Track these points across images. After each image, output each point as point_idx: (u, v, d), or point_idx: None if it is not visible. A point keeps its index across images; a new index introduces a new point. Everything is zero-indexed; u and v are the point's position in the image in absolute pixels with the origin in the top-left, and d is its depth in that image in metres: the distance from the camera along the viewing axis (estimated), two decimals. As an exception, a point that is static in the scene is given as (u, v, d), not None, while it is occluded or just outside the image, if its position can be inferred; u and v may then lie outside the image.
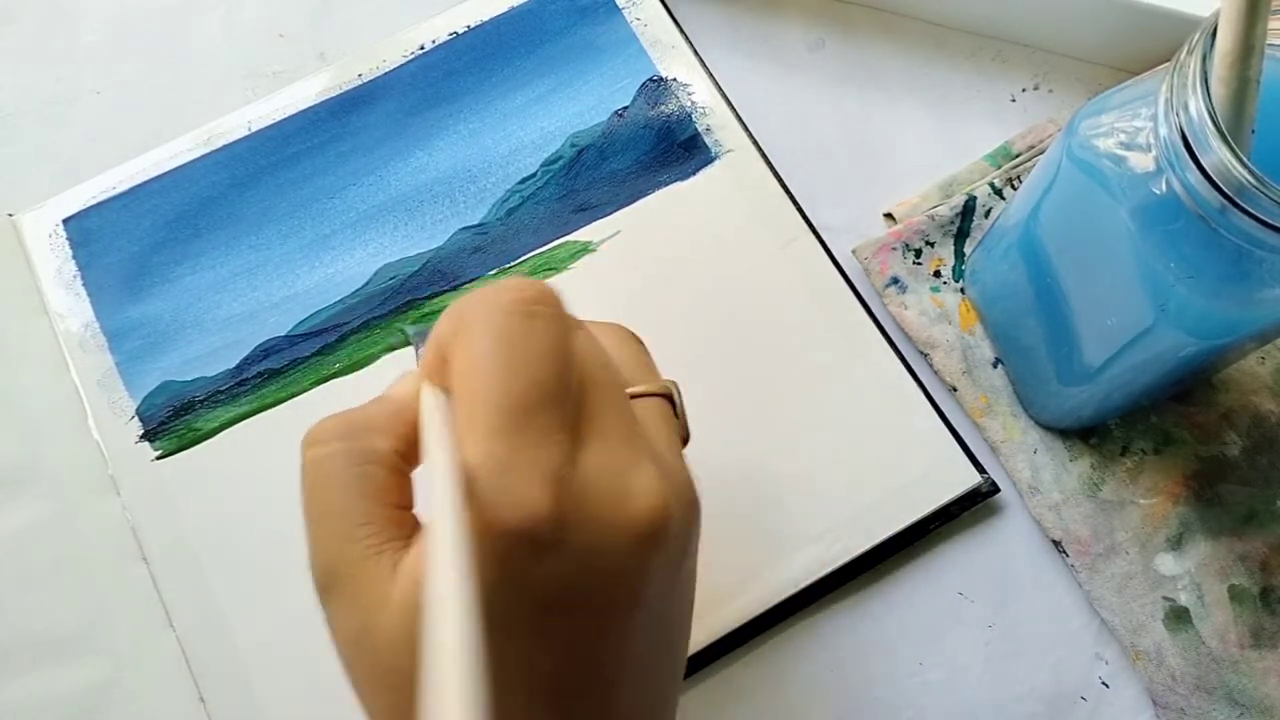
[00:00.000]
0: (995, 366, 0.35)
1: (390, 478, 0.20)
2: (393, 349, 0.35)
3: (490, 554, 0.18)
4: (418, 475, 0.21)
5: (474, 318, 0.20)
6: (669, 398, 0.24)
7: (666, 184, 0.37)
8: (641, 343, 0.25)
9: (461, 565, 0.16)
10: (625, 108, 0.38)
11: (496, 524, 0.18)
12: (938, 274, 0.37)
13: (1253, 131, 0.23)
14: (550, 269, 0.36)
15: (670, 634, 0.23)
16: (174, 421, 0.34)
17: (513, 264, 0.36)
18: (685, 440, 0.24)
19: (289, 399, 0.34)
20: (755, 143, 0.37)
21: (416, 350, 0.24)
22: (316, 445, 0.20)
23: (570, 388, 0.20)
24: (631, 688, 0.21)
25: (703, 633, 0.32)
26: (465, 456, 0.18)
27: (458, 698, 0.14)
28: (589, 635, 0.20)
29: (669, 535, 0.20)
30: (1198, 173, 0.22)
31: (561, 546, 0.19)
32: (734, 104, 0.38)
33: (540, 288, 0.20)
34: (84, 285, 0.36)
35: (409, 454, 0.21)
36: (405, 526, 0.20)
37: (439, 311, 0.35)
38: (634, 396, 0.23)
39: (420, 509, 0.21)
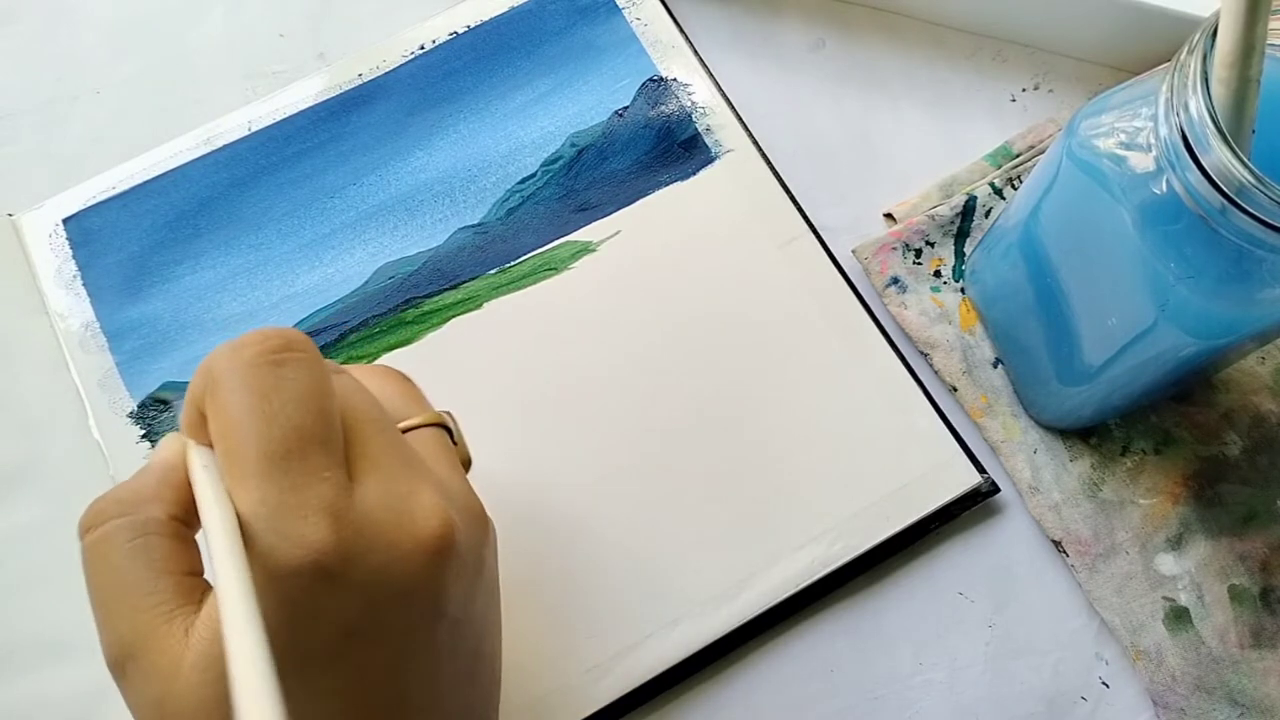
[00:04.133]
0: (995, 366, 0.35)
1: (172, 545, 0.20)
2: (392, 348, 0.35)
3: (281, 595, 0.18)
4: (201, 538, 0.21)
5: (221, 374, 0.20)
6: (444, 426, 0.24)
7: (666, 184, 0.37)
8: (408, 379, 0.26)
9: (251, 613, 0.16)
10: (625, 108, 0.38)
11: (280, 565, 0.18)
12: (938, 274, 0.37)
13: (1253, 131, 0.23)
14: (550, 269, 0.36)
15: (479, 641, 0.23)
16: (175, 422, 0.34)
17: (513, 264, 0.36)
18: (467, 464, 0.25)
19: (289, 399, 0.34)
20: (755, 143, 0.37)
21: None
22: (91, 529, 0.20)
23: (335, 427, 0.20)
24: (447, 697, 0.22)
25: (703, 632, 0.32)
26: (238, 507, 0.19)
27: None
28: (396, 655, 0.20)
29: (457, 549, 0.21)
30: (1198, 173, 0.22)
31: (350, 575, 0.19)
32: (734, 104, 0.38)
33: (286, 336, 0.20)
34: (84, 285, 0.36)
35: (187, 518, 0.21)
36: (195, 591, 0.20)
37: (439, 311, 0.35)
38: (408, 430, 0.23)
39: (208, 571, 0.20)
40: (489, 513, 0.24)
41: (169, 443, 0.22)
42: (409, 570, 0.20)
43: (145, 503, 0.20)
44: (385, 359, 0.35)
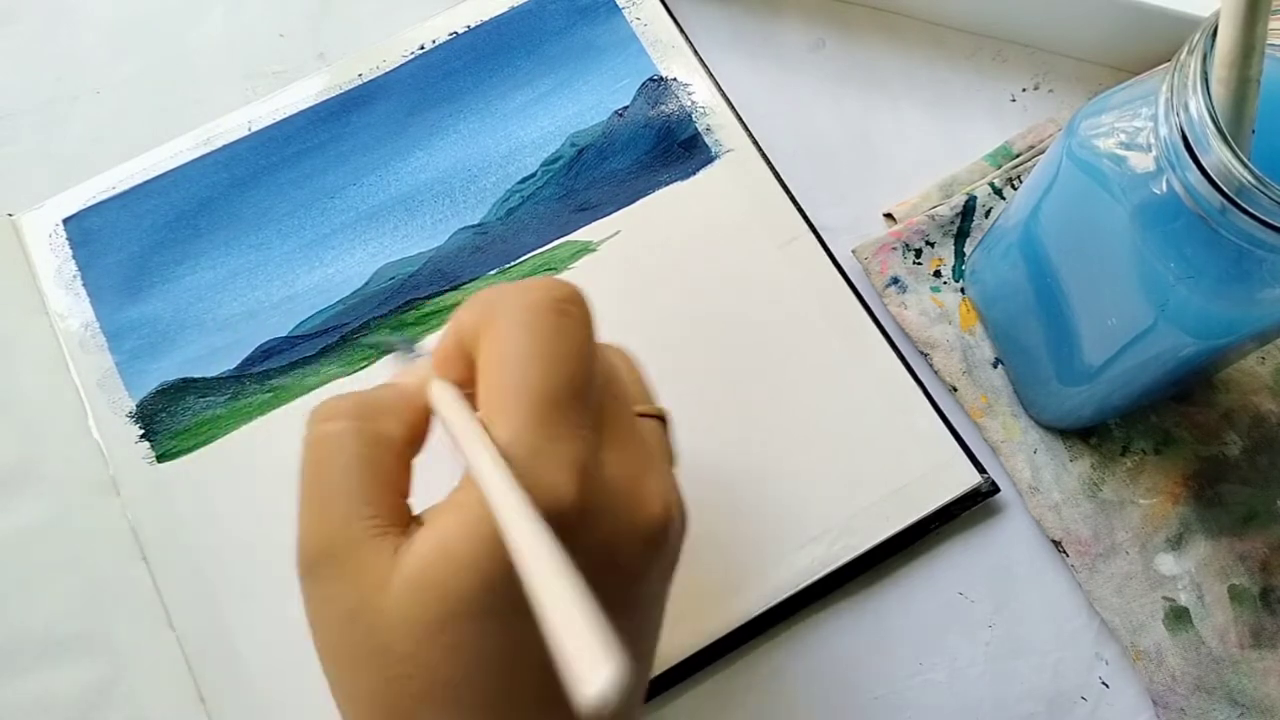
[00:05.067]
0: (995, 366, 0.35)
1: (396, 464, 0.20)
2: (393, 349, 0.35)
3: None
4: (417, 464, 0.21)
5: (505, 311, 0.20)
6: (664, 421, 0.24)
7: (667, 184, 0.37)
8: (641, 368, 0.26)
9: (528, 513, 0.17)
10: (625, 107, 0.38)
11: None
12: (938, 274, 0.37)
13: (1253, 131, 0.23)
14: (550, 269, 0.36)
15: (640, 637, 0.23)
16: (174, 422, 0.34)
17: (513, 264, 0.36)
18: (673, 464, 0.25)
19: (289, 399, 0.34)
20: (755, 143, 0.37)
21: (403, 356, 0.24)
22: (326, 421, 0.21)
23: (595, 388, 0.20)
24: None
25: (703, 632, 0.32)
26: (499, 438, 0.19)
27: (577, 619, 0.15)
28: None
29: (670, 541, 0.21)
30: (1198, 173, 0.22)
31: (581, 534, 0.19)
32: (734, 104, 0.38)
33: (571, 288, 0.21)
34: (84, 285, 0.36)
35: (415, 442, 0.21)
36: (404, 515, 0.20)
37: (439, 311, 0.35)
38: (638, 415, 0.23)
39: (415, 500, 0.21)
40: None
41: (415, 370, 0.22)
42: (626, 548, 0.20)
43: (384, 415, 0.21)
44: (385, 358, 0.35)
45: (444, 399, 0.20)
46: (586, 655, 0.14)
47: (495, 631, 0.19)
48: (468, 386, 0.21)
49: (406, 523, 0.20)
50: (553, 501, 0.18)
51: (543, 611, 0.15)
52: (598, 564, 0.19)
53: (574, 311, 0.20)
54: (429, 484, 0.23)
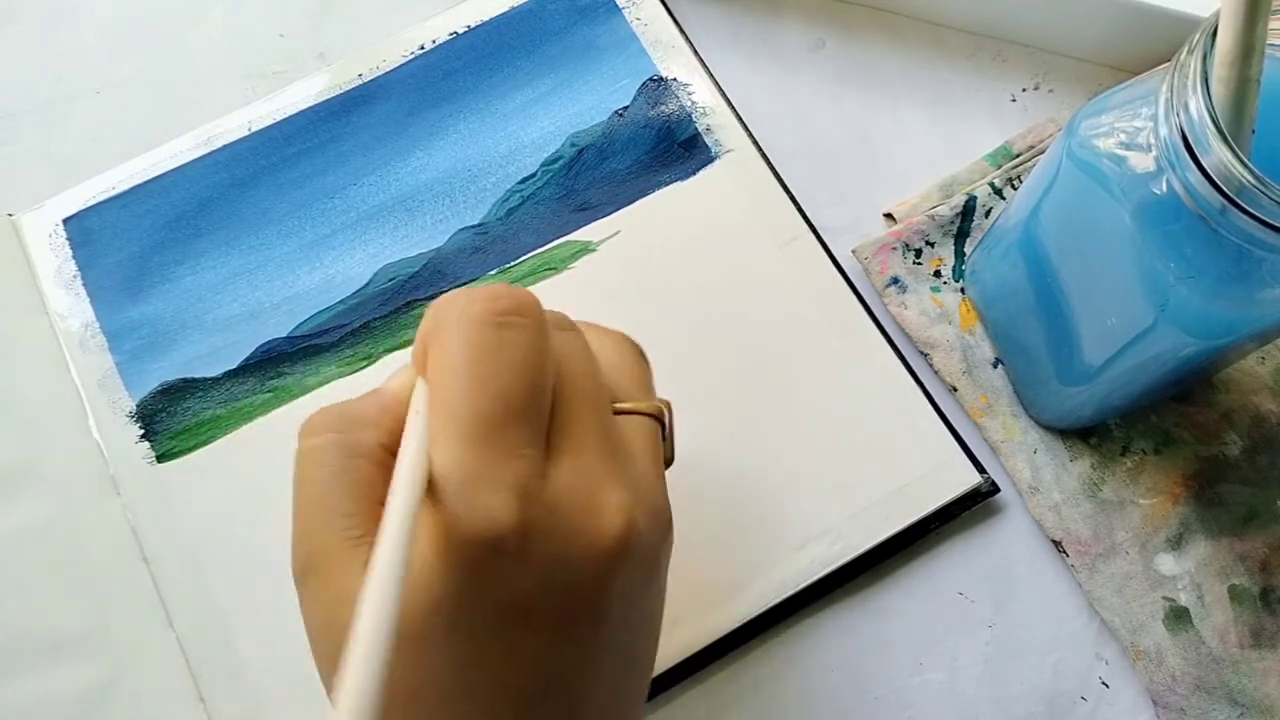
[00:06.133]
0: (995, 366, 0.35)
1: (376, 472, 0.20)
2: (393, 350, 0.35)
3: (454, 560, 0.18)
4: None
5: (447, 323, 0.20)
6: (658, 418, 0.24)
7: (666, 184, 0.37)
8: (643, 356, 0.25)
9: (396, 568, 0.16)
10: (625, 107, 0.38)
11: (461, 531, 0.18)
12: (938, 274, 0.37)
13: (1253, 131, 0.23)
14: (550, 269, 0.36)
15: (635, 653, 0.23)
16: (174, 422, 0.34)
17: (513, 264, 0.36)
18: (669, 463, 0.24)
19: (289, 399, 0.34)
20: (755, 143, 0.37)
21: None
22: (309, 436, 0.21)
23: (544, 400, 0.20)
24: (594, 704, 0.21)
25: (703, 632, 0.32)
26: (436, 460, 0.19)
27: (357, 692, 0.15)
28: (549, 647, 0.20)
29: (634, 554, 0.20)
30: (1198, 173, 0.22)
31: (525, 557, 0.19)
32: (734, 104, 0.38)
33: (518, 297, 0.20)
34: (84, 285, 0.36)
35: (396, 448, 0.21)
36: None
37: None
38: (622, 412, 0.23)
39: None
40: None
41: (400, 375, 0.22)
42: (581, 566, 0.20)
43: (364, 426, 0.21)
44: (386, 360, 0.35)
45: (412, 408, 0.20)
46: None
47: (444, 651, 0.19)
48: None
49: None
50: (490, 525, 0.18)
51: (344, 666, 0.15)
52: (549, 583, 0.19)
53: (517, 323, 0.20)
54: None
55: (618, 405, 0.22)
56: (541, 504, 0.19)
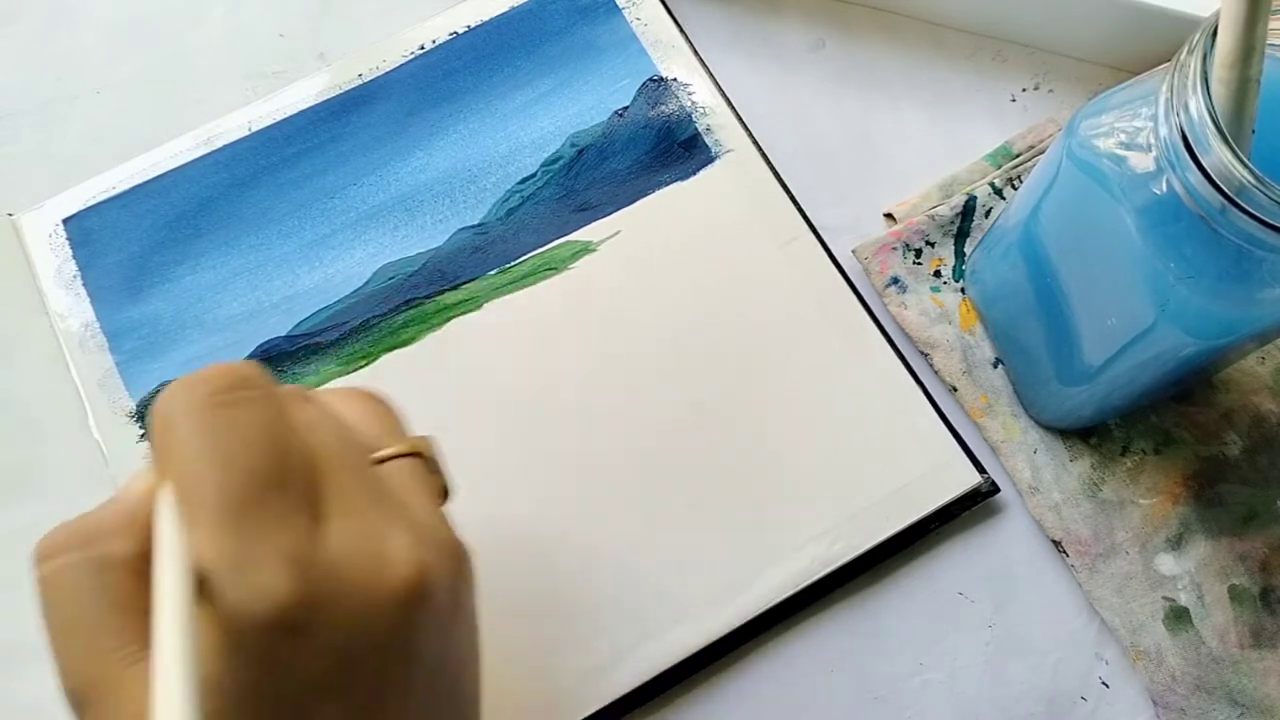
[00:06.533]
0: (995, 366, 0.35)
1: (135, 584, 0.19)
2: (392, 349, 0.35)
3: (244, 649, 0.18)
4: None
5: (172, 417, 0.19)
6: (420, 454, 0.23)
7: (666, 184, 0.37)
8: (386, 403, 0.25)
9: (184, 676, 0.16)
10: (625, 108, 0.38)
11: (242, 618, 0.17)
12: (938, 274, 0.37)
13: (1253, 131, 0.23)
14: (550, 269, 0.36)
15: (456, 681, 0.22)
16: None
17: (513, 264, 0.36)
18: (447, 495, 0.24)
19: (289, 399, 0.34)
20: (755, 143, 0.37)
21: None
22: (49, 559, 0.19)
23: (294, 468, 0.19)
24: None
25: (703, 633, 0.32)
26: (200, 556, 0.18)
27: None
28: (368, 708, 0.19)
29: (431, 593, 0.20)
30: (1198, 173, 0.22)
31: (316, 627, 0.18)
32: (734, 104, 0.38)
33: (238, 372, 0.20)
34: (84, 285, 0.36)
35: (150, 556, 0.20)
36: None
37: (439, 311, 0.35)
38: (381, 460, 0.22)
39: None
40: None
41: (139, 477, 0.20)
42: (379, 620, 0.19)
43: (107, 537, 0.19)
44: (385, 360, 0.35)
45: (160, 508, 0.19)
46: None
47: None
48: None
49: None
50: (269, 604, 0.17)
51: None
52: (349, 647, 0.18)
53: (243, 396, 0.19)
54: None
55: (375, 455, 0.22)
56: (319, 569, 0.18)
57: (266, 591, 0.17)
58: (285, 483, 0.19)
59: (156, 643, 0.16)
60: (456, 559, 0.21)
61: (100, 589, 0.19)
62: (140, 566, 0.19)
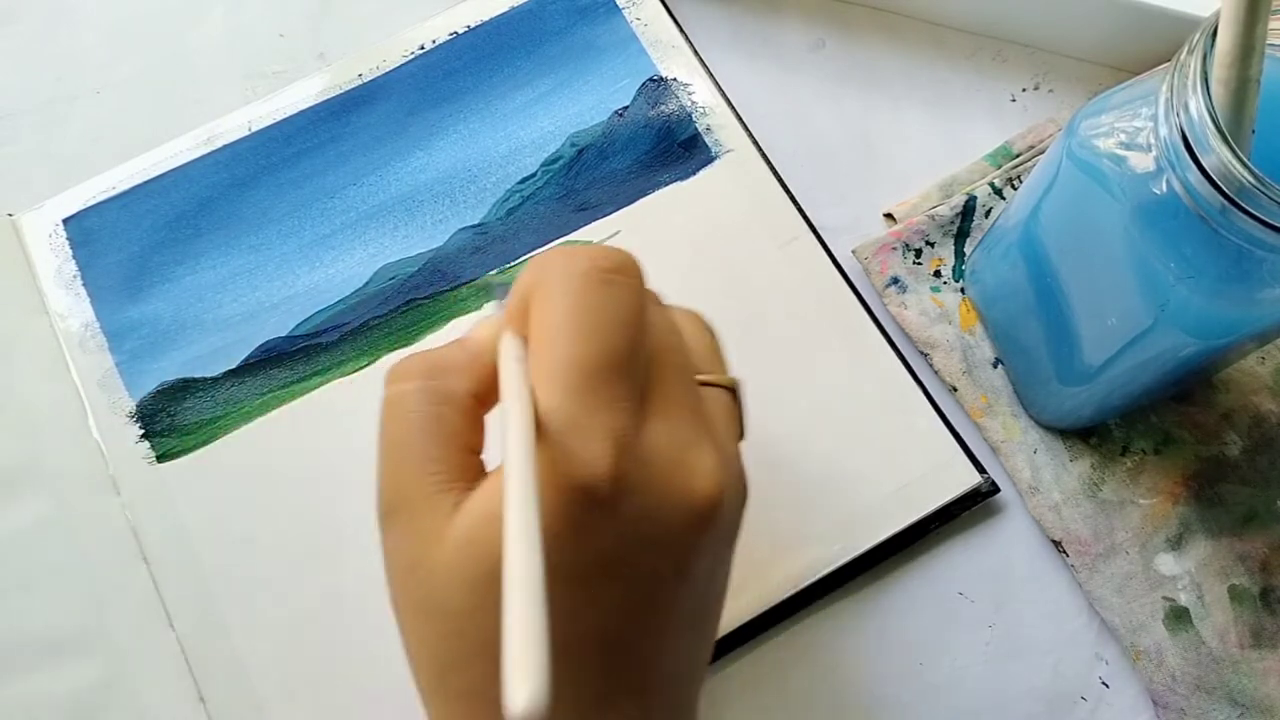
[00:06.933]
0: (995, 366, 0.35)
1: (463, 420, 0.21)
2: (392, 349, 0.35)
3: (550, 506, 0.19)
4: (490, 419, 0.21)
5: (552, 278, 0.20)
6: (734, 392, 0.24)
7: (666, 184, 0.37)
8: (716, 336, 0.26)
9: (532, 508, 0.17)
10: (625, 107, 0.38)
11: (559, 478, 0.19)
12: (938, 274, 0.37)
13: (1253, 131, 0.23)
14: (550, 269, 0.36)
15: (708, 608, 0.23)
16: (174, 422, 0.34)
17: (513, 264, 0.36)
18: (741, 437, 0.24)
19: (289, 400, 0.34)
20: (755, 143, 0.37)
21: (499, 301, 0.25)
22: (397, 381, 0.21)
23: (641, 358, 0.20)
24: (669, 657, 0.22)
25: (703, 633, 0.32)
26: (537, 408, 0.19)
27: (526, 630, 0.15)
28: (632, 601, 0.20)
29: (721, 517, 0.21)
30: (1198, 173, 0.22)
31: (618, 508, 0.19)
32: (734, 104, 0.38)
33: (622, 258, 0.21)
34: (84, 285, 0.36)
35: (484, 397, 0.21)
36: (472, 470, 0.21)
37: (439, 311, 0.35)
38: (702, 384, 0.23)
39: (489, 454, 0.21)
40: None
41: (486, 325, 0.22)
42: (674, 522, 0.20)
43: (451, 373, 0.21)
44: (386, 360, 0.35)
45: (506, 358, 0.20)
46: (520, 671, 0.15)
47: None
48: None
49: (475, 478, 0.20)
50: (586, 474, 0.19)
51: (505, 608, 0.16)
52: (637, 537, 0.20)
53: (620, 281, 0.20)
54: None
55: (699, 377, 0.23)
56: (636, 457, 0.19)
57: (587, 462, 0.19)
58: (630, 370, 0.20)
59: (507, 474, 0.17)
60: (744, 495, 0.23)
61: (434, 418, 0.21)
62: (470, 406, 0.21)
